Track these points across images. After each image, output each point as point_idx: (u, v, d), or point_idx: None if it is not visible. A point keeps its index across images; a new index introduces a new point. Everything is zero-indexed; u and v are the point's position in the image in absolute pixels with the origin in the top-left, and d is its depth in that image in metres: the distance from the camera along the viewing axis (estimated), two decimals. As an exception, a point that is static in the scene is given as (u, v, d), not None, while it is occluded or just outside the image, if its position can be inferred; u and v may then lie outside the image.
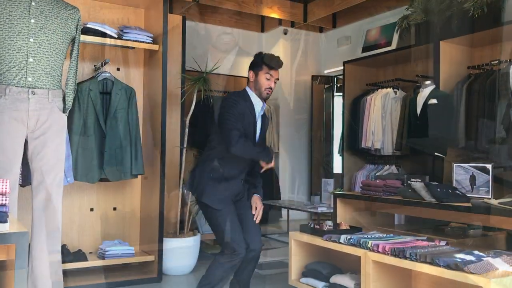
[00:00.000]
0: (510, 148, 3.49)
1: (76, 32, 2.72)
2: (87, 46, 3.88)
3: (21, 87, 2.47)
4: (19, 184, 3.01)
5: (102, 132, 3.68)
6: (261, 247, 2.95)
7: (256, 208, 2.97)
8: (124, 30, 3.77)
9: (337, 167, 6.81)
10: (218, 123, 2.88)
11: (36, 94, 2.50)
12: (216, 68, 4.22)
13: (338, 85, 7.23)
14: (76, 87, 2.79)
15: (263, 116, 3.07)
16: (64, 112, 2.67)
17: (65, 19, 2.63)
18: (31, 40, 2.48)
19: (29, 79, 2.48)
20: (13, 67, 2.47)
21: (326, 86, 7.44)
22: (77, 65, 2.79)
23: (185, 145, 4.25)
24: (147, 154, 3.99)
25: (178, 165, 4.34)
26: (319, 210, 4.98)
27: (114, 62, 4.05)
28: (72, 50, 2.76)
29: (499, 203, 2.73)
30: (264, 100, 2.99)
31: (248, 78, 3.04)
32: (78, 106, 3.61)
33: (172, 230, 4.26)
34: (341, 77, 6.09)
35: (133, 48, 3.91)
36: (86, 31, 3.56)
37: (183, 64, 4.42)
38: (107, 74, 3.76)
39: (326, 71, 7.16)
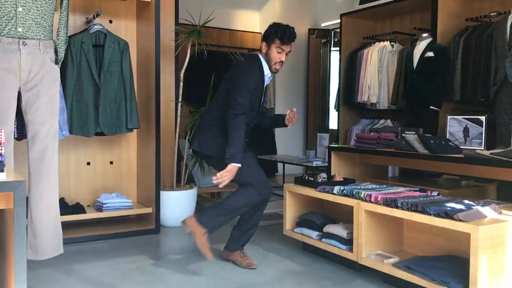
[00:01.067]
0: (504, 100, 3.49)
1: (66, -20, 2.67)
2: (78, -2, 3.81)
3: (11, 37, 2.43)
4: (15, 137, 3.03)
5: (96, 85, 3.66)
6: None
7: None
8: (116, -19, 3.68)
9: (333, 123, 6.84)
10: (231, 88, 2.91)
11: (27, 45, 2.47)
12: (210, 20, 4.15)
13: (336, 40, 7.15)
14: (68, 38, 2.75)
15: (266, 85, 3.13)
16: (56, 63, 2.64)
17: (53, -33, 2.57)
18: (20, -11, 2.43)
19: (19, 29, 2.44)
20: (2, 17, 2.42)
21: (323, 40, 7.35)
22: (68, 15, 2.74)
23: (180, 99, 4.24)
24: (142, 108, 3.99)
25: (173, 119, 4.34)
26: (314, 164, 5.03)
27: (106, 14, 3.98)
28: (62, 0, 2.71)
29: (490, 153, 2.76)
30: (276, 72, 3.04)
31: (260, 47, 3.03)
32: (71, 59, 3.57)
33: (169, 183, 4.32)
34: (338, 30, 6.01)
35: (125, -1, 3.83)
36: (77, -18, 3.48)
37: (177, 16, 4.35)
38: (100, 27, 3.70)
39: (323, 24, 7.06)
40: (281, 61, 2.96)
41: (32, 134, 2.55)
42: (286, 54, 2.96)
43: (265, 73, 3.00)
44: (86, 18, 3.86)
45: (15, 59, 2.44)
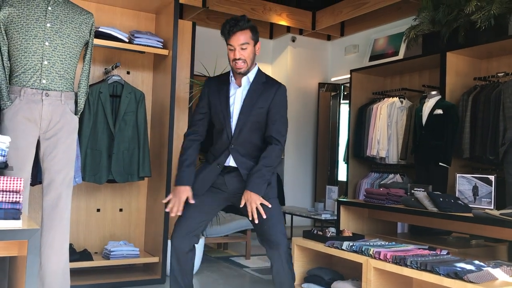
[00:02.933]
0: (513, 160, 3.52)
1: (90, 36, 2.80)
2: (98, 50, 3.96)
3: (35, 88, 2.54)
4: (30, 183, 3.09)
5: (111, 134, 3.75)
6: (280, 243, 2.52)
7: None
8: (135, 35, 3.84)
9: (342, 175, 6.86)
10: None
11: (49, 96, 2.57)
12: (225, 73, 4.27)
13: (345, 93, 7.29)
14: (88, 90, 2.86)
15: (253, 93, 2.52)
16: (76, 114, 2.73)
17: (79, 24, 2.70)
18: (47, 43, 2.55)
19: (43, 81, 2.55)
20: (28, 69, 2.54)
21: (332, 93, 7.50)
22: (90, 68, 2.86)
23: (191, 149, 4.30)
24: (155, 157, 4.05)
25: (184, 168, 4.38)
26: (323, 217, 5.02)
27: (125, 65, 4.12)
28: (85, 54, 2.83)
29: (500, 214, 2.76)
30: (241, 74, 2.52)
31: None
32: (88, 107, 3.68)
33: (176, 233, 4.31)
34: (347, 85, 6.15)
35: (143, 52, 3.98)
36: (98, 35, 3.63)
37: (192, 69, 4.49)
38: (117, 78, 3.83)
39: (333, 79, 7.21)
40: (235, 60, 2.47)
41: (48, 182, 2.60)
42: (242, 48, 2.47)
43: (231, 81, 2.57)
44: (105, 68, 4.00)
45: (37, 109, 2.53)
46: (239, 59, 2.47)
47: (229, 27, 2.48)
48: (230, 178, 2.57)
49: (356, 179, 5.73)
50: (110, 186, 4.08)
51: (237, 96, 2.55)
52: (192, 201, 2.55)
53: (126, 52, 4.05)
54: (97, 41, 3.62)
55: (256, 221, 2.44)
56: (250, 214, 2.45)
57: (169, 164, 3.93)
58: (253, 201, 2.43)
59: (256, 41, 2.55)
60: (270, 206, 2.46)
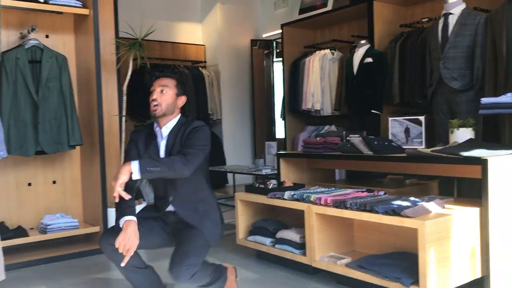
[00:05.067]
0: (440, 100, 3.65)
1: (-4, -8, 2.56)
2: (11, 12, 3.66)
3: None
4: None
5: (34, 103, 3.52)
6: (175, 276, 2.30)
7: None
8: (51, -6, 3.57)
9: (280, 132, 6.91)
10: None
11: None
12: (151, 32, 4.11)
13: (278, 50, 7.25)
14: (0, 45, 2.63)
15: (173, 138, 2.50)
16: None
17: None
18: None
19: None
20: None
21: (266, 51, 7.43)
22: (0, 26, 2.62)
23: (123, 113, 4.15)
24: (85, 124, 3.87)
25: (117, 133, 4.23)
26: (264, 172, 5.05)
27: (42, 29, 3.84)
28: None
29: (431, 151, 2.87)
30: (154, 117, 2.51)
31: None
32: (5, 76, 3.42)
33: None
34: (279, 41, 6.11)
35: (61, 13, 3.72)
36: (9, -5, 3.35)
37: (117, 29, 4.26)
38: (35, 42, 3.57)
39: (264, 35, 7.15)
40: (152, 100, 2.46)
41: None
42: (161, 91, 2.46)
43: (156, 131, 2.55)
44: (21, 33, 3.71)
45: None
46: (154, 99, 2.46)
47: (155, 72, 2.53)
48: (169, 214, 2.54)
49: (294, 134, 5.79)
50: (40, 158, 3.87)
51: (162, 146, 2.53)
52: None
53: (42, 13, 3.77)
54: (9, 2, 3.35)
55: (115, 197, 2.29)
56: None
57: (100, 130, 3.77)
58: (119, 172, 2.23)
59: (180, 94, 2.54)
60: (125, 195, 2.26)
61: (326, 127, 5.48)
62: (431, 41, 3.71)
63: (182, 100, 2.56)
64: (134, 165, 2.22)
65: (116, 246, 2.21)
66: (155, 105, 2.45)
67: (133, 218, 2.30)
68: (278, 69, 7.13)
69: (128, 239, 2.21)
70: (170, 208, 2.52)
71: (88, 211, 4.00)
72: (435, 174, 3.25)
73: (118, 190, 2.21)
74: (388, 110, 4.53)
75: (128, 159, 2.43)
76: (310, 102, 5.45)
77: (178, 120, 2.55)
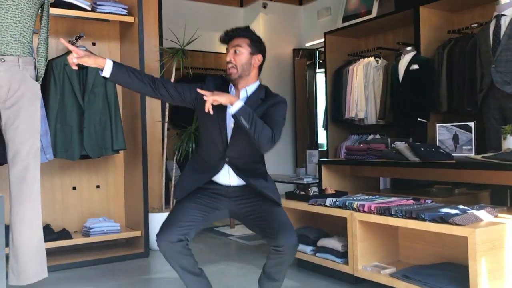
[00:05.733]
0: (491, 105, 3.49)
1: (45, -3, 2.64)
2: (60, 21, 3.78)
3: (-11, 54, 2.39)
4: (-3, 162, 2.94)
5: (80, 108, 3.60)
6: (288, 244, 2.19)
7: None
8: (98, 3, 3.66)
9: (322, 141, 6.81)
10: None
11: (5, 62, 2.41)
12: (194, 40, 4.14)
13: (320, 61, 7.18)
14: (47, 55, 2.70)
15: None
16: (36, 80, 2.59)
17: (32, -17, 2.54)
18: (-3, 5, 2.39)
19: (-3, 46, 2.40)
20: (-21, 34, 2.38)
21: (308, 62, 7.39)
22: (48, 31, 2.69)
23: (166, 120, 4.19)
24: (128, 130, 3.93)
25: (160, 140, 4.28)
26: (305, 181, 4.96)
27: (89, 36, 3.95)
28: (41, 16, 2.67)
29: (482, 157, 2.73)
30: (232, 81, 2.38)
31: None
32: (54, 82, 3.52)
33: (157, 206, 4.22)
34: (322, 49, 6.04)
35: (108, 21, 3.81)
36: (58, 4, 3.46)
37: (161, 37, 4.34)
38: (83, 48, 3.66)
39: (307, 44, 7.10)
40: (227, 62, 2.36)
41: (13, 154, 2.47)
42: (235, 52, 2.34)
43: (230, 91, 2.40)
44: (69, 40, 3.82)
45: (-6, 76, 2.38)
46: (229, 62, 2.35)
47: (228, 31, 2.41)
48: (233, 191, 2.39)
49: (336, 143, 5.68)
50: (85, 162, 3.95)
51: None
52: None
53: (89, 22, 3.88)
54: (57, 11, 3.45)
55: (206, 110, 2.15)
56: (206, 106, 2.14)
57: (143, 136, 3.81)
58: (223, 94, 2.15)
59: (255, 53, 2.38)
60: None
61: (370, 136, 5.34)
62: (481, 44, 3.56)
63: (258, 58, 2.39)
64: (239, 103, 2.14)
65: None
66: (230, 67, 2.33)
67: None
68: (320, 80, 7.06)
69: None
70: (229, 170, 2.34)
71: (130, 216, 4.04)
72: (487, 183, 3.08)
73: (213, 100, 2.10)
74: (435, 118, 4.36)
75: (181, 89, 2.31)
76: (354, 110, 5.34)
77: (258, 86, 2.40)
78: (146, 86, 2.29)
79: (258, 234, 2.42)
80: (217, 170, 2.36)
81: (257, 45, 2.40)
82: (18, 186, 2.45)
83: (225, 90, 2.37)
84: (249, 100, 2.34)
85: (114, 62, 2.22)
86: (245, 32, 2.39)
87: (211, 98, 2.11)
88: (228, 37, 2.39)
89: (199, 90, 2.17)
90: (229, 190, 2.39)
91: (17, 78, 2.44)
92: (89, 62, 2.19)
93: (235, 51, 2.34)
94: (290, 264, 2.33)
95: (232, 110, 2.14)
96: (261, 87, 2.42)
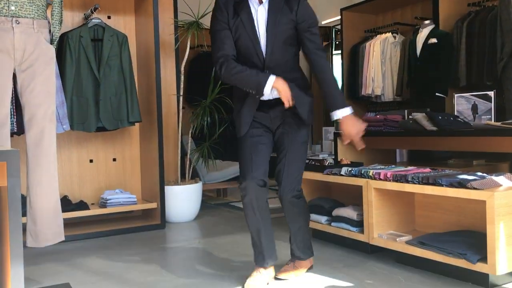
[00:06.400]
0: (511, 75, 3.41)
1: (59, -41, 2.64)
2: (76, -6, 3.79)
3: (4, 16, 2.39)
4: (15, 132, 2.98)
5: (96, 80, 3.62)
6: (289, 194, 2.41)
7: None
8: (113, -25, 3.66)
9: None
10: None
11: (20, 24, 2.43)
12: (209, 13, 4.09)
13: (337, 42, 7.08)
14: (62, 18, 2.71)
15: (274, 9, 2.25)
16: (51, 43, 2.60)
17: None
18: (12, -33, 2.40)
19: (12, 7, 2.41)
20: (-6, -4, 2.39)
21: (324, 43, 7.30)
22: (62, -6, 2.70)
23: (181, 93, 4.19)
24: (144, 103, 3.94)
25: (175, 114, 4.28)
26: (321, 157, 4.90)
27: (105, 10, 3.95)
28: (55, -20, 2.68)
29: (502, 123, 2.67)
30: None
31: None
32: (69, 54, 3.54)
33: (173, 179, 4.24)
34: (339, 27, 5.96)
35: (122, -7, 3.81)
36: (74, -24, 3.47)
37: (175, 10, 4.32)
38: (98, 21, 3.68)
39: (323, 22, 7.01)
40: None
41: (29, 117, 2.49)
42: None
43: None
44: (84, 14, 3.84)
45: (9, 38, 2.40)
46: None
47: None
48: (272, 108, 2.37)
49: (353, 120, 5.61)
50: (101, 135, 3.98)
51: (259, 15, 2.28)
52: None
53: (104, -6, 3.88)
54: (73, -17, 3.45)
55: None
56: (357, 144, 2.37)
57: (158, 109, 3.82)
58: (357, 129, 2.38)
59: None
60: None
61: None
62: (502, 12, 3.47)
63: None
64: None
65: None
66: None
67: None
68: (337, 62, 6.98)
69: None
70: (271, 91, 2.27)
71: (146, 189, 4.07)
72: (507, 151, 3.02)
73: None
74: (453, 93, 4.28)
75: (218, 33, 2.25)
76: (371, 87, 5.27)
77: None
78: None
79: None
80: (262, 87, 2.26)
81: None
82: (35, 149, 2.48)
83: (245, 2, 2.28)
84: (271, 2, 2.27)
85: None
86: None
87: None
88: None
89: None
90: (270, 111, 2.37)
91: (32, 40, 2.46)
92: None
93: None
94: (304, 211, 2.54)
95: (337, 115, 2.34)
96: None
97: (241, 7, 2.26)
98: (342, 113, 2.34)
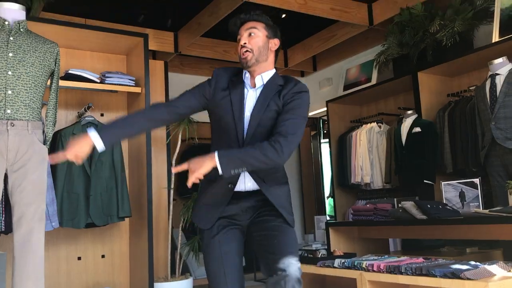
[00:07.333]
0: (494, 162, 3.49)
1: (55, 65, 2.77)
2: (70, 92, 3.93)
3: (0, 119, 2.47)
4: (2, 231, 2.94)
5: (87, 175, 3.65)
6: (290, 271, 1.90)
7: None
8: (106, 75, 3.83)
9: (330, 208, 6.76)
10: None
11: (15, 126, 2.49)
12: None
13: (325, 131, 7.29)
14: (56, 119, 2.79)
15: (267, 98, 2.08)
16: (44, 143, 2.65)
17: (43, 53, 2.68)
18: (9, 73, 2.51)
19: (8, 111, 2.49)
20: (-9, 100, 2.48)
21: (312, 132, 7.50)
22: (57, 98, 2.81)
23: (172, 186, 4.21)
24: (134, 198, 3.94)
25: (166, 208, 4.27)
26: (314, 247, 4.84)
27: (98, 107, 4.08)
28: (51, 83, 2.79)
29: (489, 211, 2.70)
30: (247, 67, 2.12)
31: None
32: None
33: (163, 275, 4.13)
34: (326, 118, 6.17)
35: (116, 92, 3.96)
36: (68, 77, 3.62)
37: (167, 107, 4.46)
38: (91, 118, 3.78)
39: (310, 113, 7.25)
40: (241, 47, 2.13)
41: (18, 216, 2.47)
42: (250, 34, 2.13)
43: (245, 78, 2.16)
44: (78, 112, 3.95)
45: (3, 140, 2.45)
46: (243, 46, 2.11)
47: (239, 16, 2.19)
48: (247, 202, 2.08)
49: (344, 209, 5.62)
50: (90, 231, 3.93)
51: (249, 98, 2.13)
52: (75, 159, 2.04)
53: (99, 93, 4.02)
54: (68, 83, 3.60)
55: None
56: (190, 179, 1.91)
57: (149, 204, 3.81)
58: (199, 164, 1.88)
59: (271, 37, 2.16)
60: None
61: (377, 201, 5.31)
62: (479, 103, 3.64)
63: (275, 43, 2.16)
64: (221, 160, 1.87)
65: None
66: (245, 51, 2.08)
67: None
68: (325, 149, 7.13)
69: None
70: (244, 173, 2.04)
71: (135, 286, 3.95)
72: (497, 239, 3.02)
73: (196, 178, 1.88)
74: (440, 179, 4.35)
75: (187, 92, 2.12)
76: (360, 175, 5.35)
77: (274, 74, 2.16)
78: (160, 121, 2.14)
79: (260, 261, 2.05)
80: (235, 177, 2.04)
81: (273, 29, 2.20)
82: (22, 248, 2.43)
83: (239, 80, 2.15)
84: (265, 87, 2.11)
85: (100, 131, 2.03)
86: (260, 17, 2.18)
87: (194, 176, 1.88)
88: (240, 21, 2.17)
89: (174, 170, 1.97)
90: (242, 202, 2.08)
91: (26, 142, 2.51)
92: (78, 151, 2.03)
93: (249, 34, 2.12)
94: None
95: (221, 172, 1.89)
96: (277, 75, 2.19)
97: (235, 86, 2.14)
98: (211, 155, 1.93)
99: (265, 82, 2.13)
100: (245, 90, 2.15)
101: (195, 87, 2.18)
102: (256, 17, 2.16)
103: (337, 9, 5.19)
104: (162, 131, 4.34)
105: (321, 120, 7.27)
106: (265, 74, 2.14)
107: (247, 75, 2.16)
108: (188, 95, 2.14)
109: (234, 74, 2.20)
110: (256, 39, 2.11)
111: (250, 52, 2.09)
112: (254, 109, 2.10)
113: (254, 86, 2.15)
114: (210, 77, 2.17)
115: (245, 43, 2.10)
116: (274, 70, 2.19)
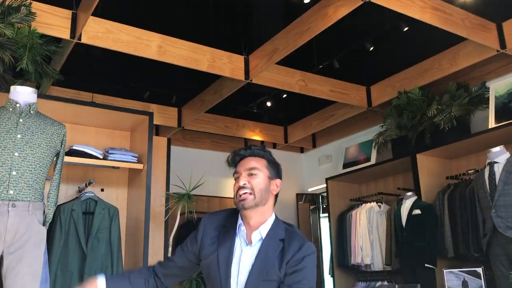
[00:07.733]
0: (497, 251, 3.45)
1: (61, 146, 2.81)
2: (73, 168, 3.94)
3: (1, 200, 2.46)
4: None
5: (83, 253, 3.58)
6: None
7: None
8: (110, 151, 3.86)
9: (329, 288, 6.57)
10: None
11: (16, 207, 2.49)
12: (200, 185, 4.26)
13: (324, 206, 7.26)
14: (57, 200, 2.79)
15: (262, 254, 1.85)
16: (44, 225, 2.63)
17: (50, 134, 2.73)
18: (16, 154, 2.54)
19: (11, 191, 2.49)
20: (-6, 180, 2.49)
21: (312, 207, 7.47)
22: (60, 178, 2.82)
23: (169, 265, 4.13)
24: (129, 276, 3.85)
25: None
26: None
27: (99, 182, 4.08)
28: (55, 164, 2.81)
29: (494, 305, 2.63)
30: (243, 209, 1.89)
31: None
32: (59, 226, 3.55)
33: None
34: (325, 194, 6.17)
35: (118, 168, 3.98)
36: (72, 153, 3.65)
37: (168, 183, 4.47)
38: (91, 194, 3.77)
39: (310, 189, 7.25)
40: (239, 189, 1.90)
41: (11, 301, 2.41)
42: (250, 174, 1.91)
43: (238, 232, 1.93)
44: (79, 187, 3.95)
45: (2, 222, 2.43)
46: (243, 186, 1.87)
47: (238, 151, 1.98)
48: None
49: (344, 290, 5.49)
50: (82, 311, 3.79)
51: (244, 258, 1.86)
52: None
53: (100, 169, 4.04)
54: (71, 159, 3.62)
55: None
56: None
57: (145, 282, 3.72)
58: None
59: (273, 177, 1.96)
60: None
61: (378, 283, 5.19)
62: (479, 190, 3.66)
63: (277, 184, 1.97)
64: None
65: None
66: (244, 193, 1.85)
67: None
68: (324, 224, 7.06)
69: None
70: None
71: None
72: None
73: None
74: (442, 263, 4.28)
75: (171, 255, 1.98)
76: (360, 255, 5.27)
77: (273, 222, 1.92)
78: (145, 277, 1.99)
79: None
80: None
81: (275, 168, 1.99)
82: (12, 337, 2.35)
83: (231, 230, 1.90)
84: (264, 246, 1.85)
85: (108, 280, 1.96)
86: (261, 152, 1.98)
87: None
88: (239, 157, 1.96)
89: None
90: None
91: (25, 222, 2.49)
92: None
93: (250, 174, 1.89)
94: None
95: None
96: (277, 224, 1.95)
97: (225, 238, 1.89)
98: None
99: (263, 237, 1.88)
100: (238, 246, 1.89)
101: (186, 241, 2.00)
102: (258, 152, 1.97)
103: (336, 91, 5.34)
104: (160, 207, 4.32)
105: (320, 196, 7.26)
106: (263, 227, 1.90)
107: (242, 227, 1.92)
108: (178, 254, 2.00)
109: (227, 218, 1.96)
110: (257, 180, 1.90)
111: (250, 193, 1.88)
112: (250, 274, 1.81)
113: (250, 242, 1.89)
114: (198, 229, 1.97)
115: (245, 184, 1.88)
116: (273, 217, 1.97)
